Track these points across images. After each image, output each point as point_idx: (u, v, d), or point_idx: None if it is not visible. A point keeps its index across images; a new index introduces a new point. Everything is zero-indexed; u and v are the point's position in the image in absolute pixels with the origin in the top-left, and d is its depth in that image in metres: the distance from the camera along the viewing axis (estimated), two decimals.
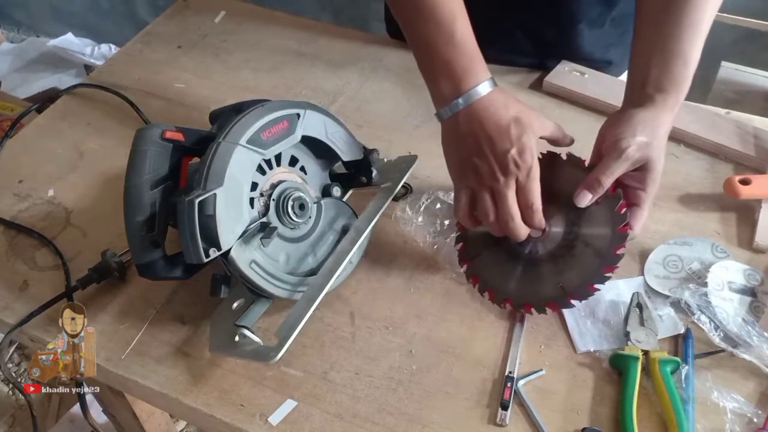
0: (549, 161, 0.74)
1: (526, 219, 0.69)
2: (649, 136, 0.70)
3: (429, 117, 0.95)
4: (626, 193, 0.72)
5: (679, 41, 0.71)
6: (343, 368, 0.70)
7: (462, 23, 0.69)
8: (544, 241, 0.73)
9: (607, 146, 0.71)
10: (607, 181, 0.69)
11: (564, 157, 0.74)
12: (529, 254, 0.74)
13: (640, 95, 0.73)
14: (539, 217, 0.69)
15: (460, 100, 0.69)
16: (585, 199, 0.70)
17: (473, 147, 0.68)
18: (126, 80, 1.05)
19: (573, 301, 0.70)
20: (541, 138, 0.70)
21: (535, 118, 0.69)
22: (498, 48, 1.01)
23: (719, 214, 0.82)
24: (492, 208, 0.69)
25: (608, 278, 0.69)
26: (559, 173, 0.74)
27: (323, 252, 0.75)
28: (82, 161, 0.94)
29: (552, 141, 0.74)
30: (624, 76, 1.04)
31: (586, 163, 0.73)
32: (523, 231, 0.69)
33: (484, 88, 0.69)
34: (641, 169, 0.71)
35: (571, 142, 0.74)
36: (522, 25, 0.99)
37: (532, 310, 0.72)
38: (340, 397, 0.68)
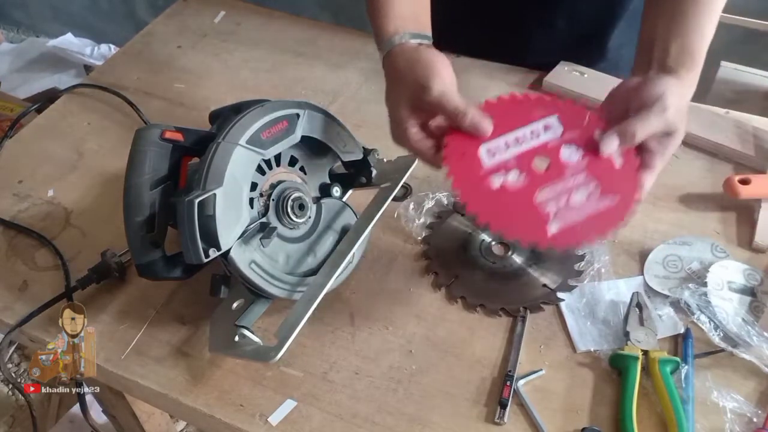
0: None
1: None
2: (682, 103, 0.68)
3: None
4: (643, 154, 0.68)
5: (695, 16, 0.71)
6: (343, 368, 0.70)
7: None
8: (515, 254, 0.79)
9: (646, 100, 0.67)
10: (642, 134, 0.65)
11: None
12: (504, 268, 0.78)
13: (663, 65, 0.71)
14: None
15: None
16: (612, 145, 0.65)
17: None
18: (125, 80, 1.05)
19: (561, 295, 0.74)
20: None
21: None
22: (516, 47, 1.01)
23: (719, 214, 0.82)
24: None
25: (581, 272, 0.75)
26: None
27: (323, 252, 0.75)
28: (82, 161, 0.94)
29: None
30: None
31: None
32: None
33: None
34: (665, 135, 0.68)
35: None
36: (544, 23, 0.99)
37: (527, 310, 0.74)
38: (340, 397, 0.68)
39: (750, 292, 0.73)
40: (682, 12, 0.72)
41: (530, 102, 0.70)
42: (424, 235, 0.81)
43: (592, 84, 0.97)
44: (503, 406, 0.66)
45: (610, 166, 0.67)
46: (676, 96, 0.67)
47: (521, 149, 0.67)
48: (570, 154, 0.67)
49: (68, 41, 2.58)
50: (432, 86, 0.65)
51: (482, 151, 0.66)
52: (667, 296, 0.73)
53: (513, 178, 0.66)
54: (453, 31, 0.98)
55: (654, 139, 0.67)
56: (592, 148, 0.67)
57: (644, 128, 0.65)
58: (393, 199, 0.76)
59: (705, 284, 0.73)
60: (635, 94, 0.68)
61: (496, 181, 0.66)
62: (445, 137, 0.66)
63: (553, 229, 0.64)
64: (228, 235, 0.65)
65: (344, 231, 0.76)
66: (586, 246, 0.77)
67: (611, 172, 0.67)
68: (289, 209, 0.72)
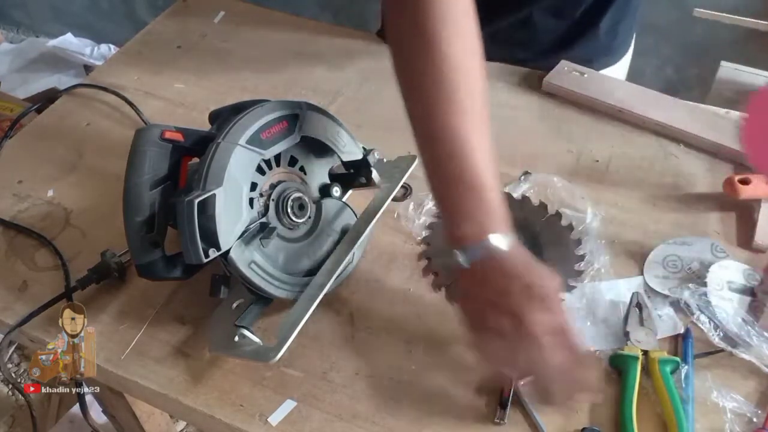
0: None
1: None
2: None
3: None
4: None
5: None
6: (342, 368, 0.70)
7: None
8: None
9: None
10: None
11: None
12: None
13: None
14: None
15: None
16: None
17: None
18: (125, 80, 1.05)
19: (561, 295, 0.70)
20: None
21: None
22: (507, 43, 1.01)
23: (719, 214, 0.82)
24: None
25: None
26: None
27: (323, 252, 0.75)
28: (82, 161, 0.94)
29: None
30: (610, 72, 1.04)
31: None
32: None
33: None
34: None
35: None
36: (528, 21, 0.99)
37: None
38: (340, 397, 0.68)
39: (750, 292, 0.73)
40: None
41: None
42: (424, 235, 0.81)
43: (591, 84, 0.97)
44: (503, 406, 0.66)
45: None
46: None
47: None
48: None
49: (68, 41, 2.58)
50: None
51: None
52: (667, 296, 0.73)
53: None
54: None
55: None
56: None
57: None
58: (393, 199, 0.77)
59: (705, 284, 0.73)
60: None
61: None
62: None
63: None
64: (228, 235, 0.65)
65: (344, 231, 0.76)
66: None
67: None
68: (289, 209, 0.72)
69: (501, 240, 0.61)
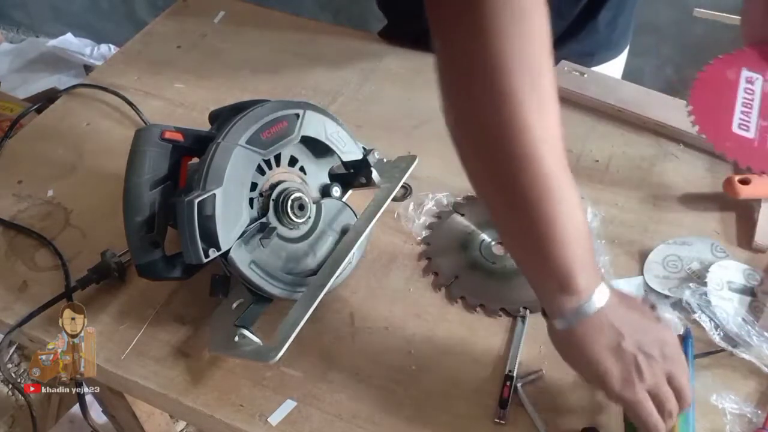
0: None
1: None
2: None
3: (428, 117, 0.95)
4: None
5: None
6: (342, 368, 0.70)
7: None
8: None
9: None
10: None
11: None
12: (504, 268, 0.77)
13: None
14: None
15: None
16: None
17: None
18: (125, 80, 1.05)
19: None
20: None
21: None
22: None
23: (719, 214, 0.82)
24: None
25: None
26: None
27: (323, 252, 0.75)
28: (82, 161, 0.94)
29: None
30: (604, 69, 1.03)
31: None
32: None
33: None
34: None
35: None
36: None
37: (527, 310, 0.73)
38: (340, 397, 0.68)
39: (750, 292, 0.73)
40: None
41: (721, 66, 0.81)
42: (424, 235, 0.81)
43: (591, 84, 0.97)
44: (503, 406, 0.66)
45: None
46: None
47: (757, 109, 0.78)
48: None
49: (68, 41, 2.58)
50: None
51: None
52: (667, 296, 0.73)
53: None
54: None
55: None
56: None
57: None
58: (393, 199, 0.77)
59: (705, 284, 0.73)
60: None
61: None
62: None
63: None
64: (228, 235, 0.65)
65: (344, 231, 0.76)
66: None
67: None
68: (288, 209, 0.72)
69: (603, 290, 0.58)
